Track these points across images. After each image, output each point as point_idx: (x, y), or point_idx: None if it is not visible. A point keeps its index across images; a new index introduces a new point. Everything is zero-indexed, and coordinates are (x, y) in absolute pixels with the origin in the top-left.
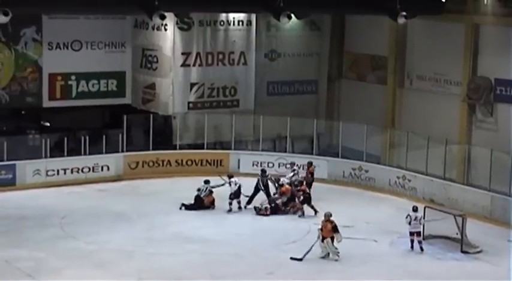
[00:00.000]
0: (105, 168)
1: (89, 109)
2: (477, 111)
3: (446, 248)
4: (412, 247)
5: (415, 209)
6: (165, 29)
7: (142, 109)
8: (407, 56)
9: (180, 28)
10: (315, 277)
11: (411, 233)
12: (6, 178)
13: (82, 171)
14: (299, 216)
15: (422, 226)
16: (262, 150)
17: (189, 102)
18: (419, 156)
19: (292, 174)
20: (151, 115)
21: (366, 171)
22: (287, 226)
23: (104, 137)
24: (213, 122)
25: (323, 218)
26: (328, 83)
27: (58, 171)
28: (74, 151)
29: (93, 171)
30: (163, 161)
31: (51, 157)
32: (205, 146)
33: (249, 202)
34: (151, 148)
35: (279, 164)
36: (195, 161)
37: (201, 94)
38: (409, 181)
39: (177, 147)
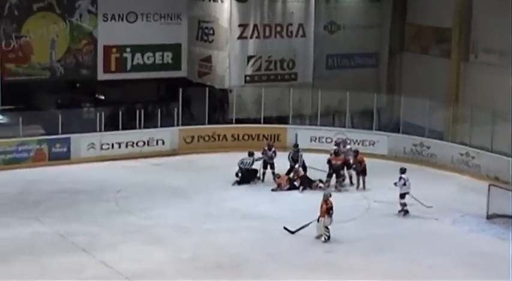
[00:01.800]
0: (160, 142)
1: (144, 82)
2: None
3: (510, 228)
4: (403, 211)
5: (403, 171)
6: (222, 1)
7: (198, 82)
8: (473, 28)
9: None
10: (373, 254)
11: (402, 195)
12: (60, 152)
13: (137, 145)
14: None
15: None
16: (321, 125)
17: (246, 76)
18: (483, 132)
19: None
20: (207, 88)
21: (428, 147)
22: (346, 202)
23: (159, 110)
24: (270, 96)
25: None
26: (390, 56)
27: (112, 145)
28: (129, 125)
29: (148, 145)
30: (219, 136)
31: (105, 130)
32: (262, 121)
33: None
34: (207, 122)
35: (337, 139)
36: (251, 135)
37: (258, 67)
38: (473, 158)
39: (234, 121)
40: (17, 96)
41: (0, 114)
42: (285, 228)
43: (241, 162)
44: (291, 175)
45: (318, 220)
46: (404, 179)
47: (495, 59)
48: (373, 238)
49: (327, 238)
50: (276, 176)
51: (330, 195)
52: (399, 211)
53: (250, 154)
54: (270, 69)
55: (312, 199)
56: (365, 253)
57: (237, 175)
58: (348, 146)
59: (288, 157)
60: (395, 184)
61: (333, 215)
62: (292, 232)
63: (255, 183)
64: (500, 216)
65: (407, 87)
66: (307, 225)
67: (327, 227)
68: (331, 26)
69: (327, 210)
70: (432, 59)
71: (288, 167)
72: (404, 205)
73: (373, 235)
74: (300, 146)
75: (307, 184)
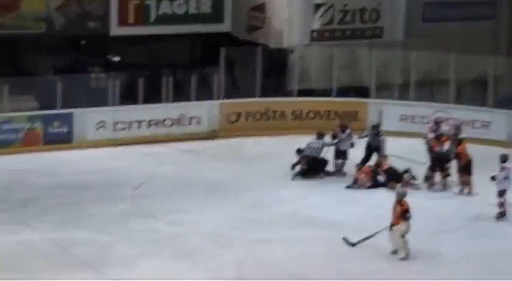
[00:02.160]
0: (194, 121)
1: (172, 39)
2: None
3: None
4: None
5: (505, 159)
6: None
7: (246, 40)
8: None
9: None
10: (484, 277)
11: (501, 193)
12: (60, 132)
13: (163, 124)
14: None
15: None
16: (414, 99)
17: (312, 31)
18: None
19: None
20: (259, 48)
21: None
22: (447, 207)
23: (194, 77)
24: (346, 59)
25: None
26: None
27: (130, 124)
28: (152, 97)
29: (178, 124)
30: (275, 113)
31: (120, 104)
32: (333, 93)
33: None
34: (258, 93)
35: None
36: (319, 112)
37: (329, 19)
38: None
39: (295, 93)
40: (1, 57)
41: None
42: (344, 239)
43: (308, 147)
44: (372, 167)
45: (391, 228)
46: (508, 169)
47: None
48: (484, 255)
49: (407, 253)
50: (357, 167)
51: (405, 194)
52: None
53: (320, 136)
54: (345, 23)
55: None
56: (473, 276)
57: (294, 166)
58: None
59: (368, 143)
60: (493, 177)
61: (420, 223)
62: (353, 244)
63: (322, 178)
64: None
65: None
66: (374, 235)
67: (403, 237)
68: None
69: (402, 213)
70: None
71: (363, 156)
72: (501, 205)
73: (485, 252)
74: (382, 128)
75: (395, 179)
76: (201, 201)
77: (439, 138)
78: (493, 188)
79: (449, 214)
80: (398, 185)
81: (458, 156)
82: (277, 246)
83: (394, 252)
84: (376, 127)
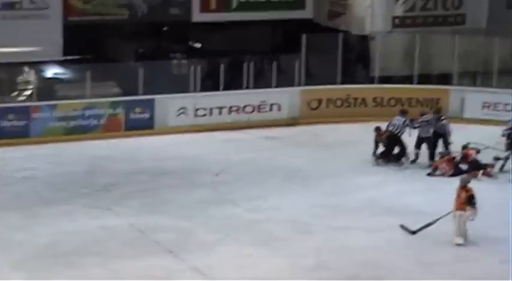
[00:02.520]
0: (275, 107)
1: (254, 26)
2: None
3: None
4: None
5: None
6: None
7: (328, 27)
8: None
9: None
10: None
11: None
12: (141, 118)
13: (244, 111)
14: None
15: None
16: (498, 86)
17: (394, 18)
18: None
19: None
20: (340, 35)
21: None
22: None
23: (275, 64)
24: (428, 45)
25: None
26: None
27: (211, 110)
28: (233, 84)
29: (258, 111)
30: (356, 100)
31: (201, 90)
32: (415, 80)
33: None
34: (339, 80)
35: None
36: (400, 99)
37: (411, 6)
38: None
39: (376, 80)
40: (84, 44)
41: (62, 67)
42: (402, 227)
43: (390, 124)
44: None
45: (456, 213)
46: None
47: None
48: None
49: (465, 238)
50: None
51: (469, 180)
52: None
53: (402, 113)
54: (427, 9)
55: (487, 190)
56: None
57: (375, 151)
58: None
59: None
60: None
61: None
62: (413, 232)
63: (402, 164)
64: None
65: None
66: (435, 222)
67: (465, 224)
68: None
69: (468, 199)
70: None
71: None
72: None
73: None
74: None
75: (478, 168)
76: (280, 188)
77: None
78: None
79: None
80: (480, 173)
81: None
82: (357, 234)
83: (459, 243)
84: (437, 112)
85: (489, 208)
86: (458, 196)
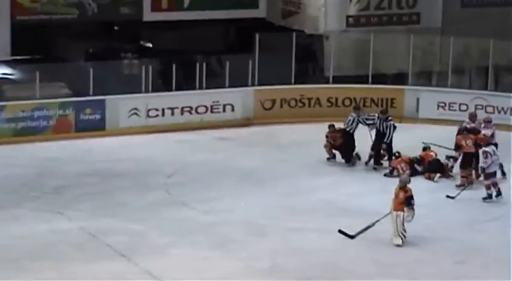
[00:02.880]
0: (228, 108)
1: (206, 25)
2: None
3: None
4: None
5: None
6: None
7: (281, 26)
8: None
9: None
10: None
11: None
12: (92, 120)
13: (196, 111)
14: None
15: None
16: (452, 86)
17: (348, 17)
18: None
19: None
20: (294, 34)
21: None
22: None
23: (228, 64)
24: (382, 45)
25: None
26: None
27: (163, 111)
28: (186, 84)
29: (211, 111)
30: (310, 100)
31: (153, 91)
32: (369, 79)
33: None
34: (293, 80)
35: (475, 106)
36: (354, 99)
37: (365, 5)
38: None
39: (330, 80)
40: (32, 43)
41: (9, 68)
42: (340, 231)
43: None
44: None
45: (393, 214)
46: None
47: None
48: None
49: (403, 239)
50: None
51: (409, 181)
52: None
53: (355, 109)
54: (381, 8)
55: (435, 190)
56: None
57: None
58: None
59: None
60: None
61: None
62: (352, 237)
63: (353, 164)
64: None
65: None
66: (373, 224)
67: (403, 225)
68: None
69: (407, 200)
70: None
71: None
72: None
73: None
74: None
75: (437, 170)
76: (235, 189)
77: (470, 131)
78: None
79: (487, 203)
80: (437, 175)
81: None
82: (312, 235)
83: (395, 240)
84: (384, 112)
85: (440, 208)
86: (396, 196)
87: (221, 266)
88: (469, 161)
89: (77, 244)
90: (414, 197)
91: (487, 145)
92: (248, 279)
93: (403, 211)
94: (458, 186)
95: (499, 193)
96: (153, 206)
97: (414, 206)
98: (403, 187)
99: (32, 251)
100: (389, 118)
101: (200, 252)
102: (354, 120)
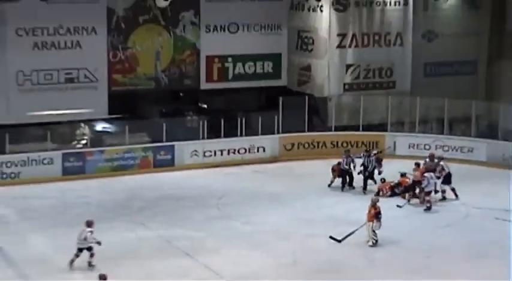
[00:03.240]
0: (260, 149)
1: (245, 91)
2: None
3: None
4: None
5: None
6: (321, 11)
7: (297, 91)
8: None
9: (336, 9)
10: (474, 259)
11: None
12: (165, 159)
13: (238, 152)
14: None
15: None
16: (419, 132)
17: (344, 84)
18: None
19: None
20: (306, 97)
21: None
22: (442, 209)
23: (260, 118)
24: (369, 103)
25: (370, 202)
26: (488, 64)
27: (215, 152)
28: (231, 133)
29: (249, 152)
30: (318, 143)
31: (208, 138)
32: (360, 128)
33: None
34: (306, 129)
35: (436, 146)
36: (350, 142)
37: (356, 76)
38: None
39: (333, 128)
40: (123, 106)
41: (108, 123)
42: (331, 237)
43: (342, 163)
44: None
45: (367, 224)
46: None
47: None
48: (472, 244)
49: (374, 242)
50: (381, 181)
51: (378, 200)
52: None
53: (346, 152)
54: (368, 78)
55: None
56: (466, 259)
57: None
58: (441, 163)
59: (362, 163)
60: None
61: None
62: (339, 241)
63: (349, 190)
64: None
65: (506, 95)
66: (354, 232)
67: (374, 232)
68: (429, 35)
69: (376, 215)
70: None
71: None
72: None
73: (473, 241)
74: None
75: (408, 192)
76: (266, 207)
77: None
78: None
79: (444, 213)
80: (407, 195)
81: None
82: (322, 239)
83: (368, 242)
84: (367, 151)
85: (402, 219)
86: (369, 211)
87: (257, 262)
88: (415, 185)
89: (155, 247)
90: (382, 212)
91: (427, 172)
92: (276, 270)
93: (373, 222)
94: (408, 200)
95: (429, 207)
96: (208, 219)
97: (381, 219)
98: (373, 205)
99: (123, 252)
100: (371, 155)
101: (242, 251)
102: (348, 161)
